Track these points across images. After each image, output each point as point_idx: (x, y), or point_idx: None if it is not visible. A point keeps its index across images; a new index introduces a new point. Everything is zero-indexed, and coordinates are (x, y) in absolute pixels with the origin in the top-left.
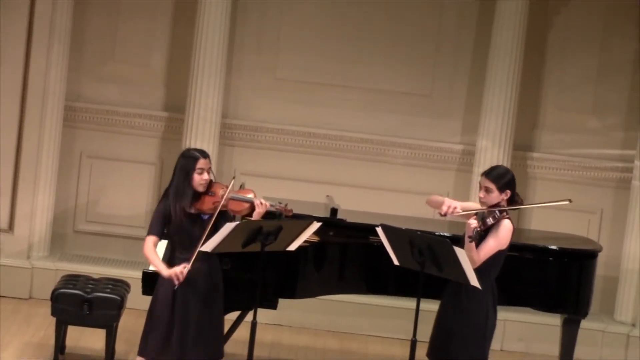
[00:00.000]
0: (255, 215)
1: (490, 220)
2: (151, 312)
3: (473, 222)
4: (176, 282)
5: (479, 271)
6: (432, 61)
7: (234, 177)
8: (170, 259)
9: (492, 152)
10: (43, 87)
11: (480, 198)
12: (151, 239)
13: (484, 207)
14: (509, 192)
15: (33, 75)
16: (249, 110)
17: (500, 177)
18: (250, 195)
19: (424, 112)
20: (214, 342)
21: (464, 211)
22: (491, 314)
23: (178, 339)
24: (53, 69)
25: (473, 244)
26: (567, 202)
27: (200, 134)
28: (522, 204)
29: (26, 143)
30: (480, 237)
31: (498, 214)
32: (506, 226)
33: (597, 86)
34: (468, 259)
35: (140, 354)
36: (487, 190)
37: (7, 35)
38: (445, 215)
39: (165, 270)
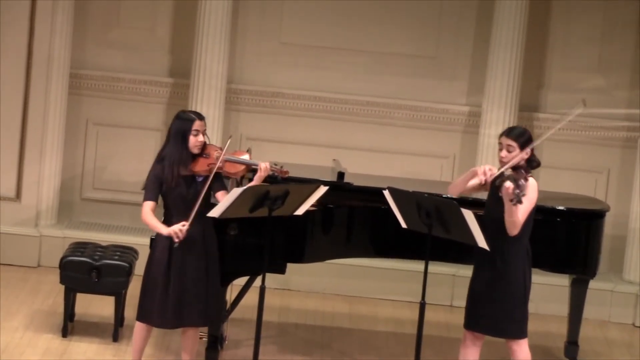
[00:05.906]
0: (257, 179)
1: (522, 182)
2: (146, 276)
3: (509, 185)
4: (176, 240)
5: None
6: (436, 22)
7: (230, 136)
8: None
9: (498, 113)
10: (48, 54)
11: (501, 158)
12: (148, 204)
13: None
14: (529, 151)
15: (38, 42)
16: (254, 75)
17: (521, 135)
18: (245, 157)
19: (429, 73)
20: (210, 307)
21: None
22: (528, 275)
23: (174, 304)
24: (57, 35)
25: (518, 206)
26: (582, 107)
27: (206, 100)
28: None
29: (32, 111)
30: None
31: (525, 173)
32: (533, 184)
33: (602, 45)
34: (510, 222)
35: (138, 318)
36: (509, 149)
37: (11, 1)
38: (486, 182)
39: (164, 229)
